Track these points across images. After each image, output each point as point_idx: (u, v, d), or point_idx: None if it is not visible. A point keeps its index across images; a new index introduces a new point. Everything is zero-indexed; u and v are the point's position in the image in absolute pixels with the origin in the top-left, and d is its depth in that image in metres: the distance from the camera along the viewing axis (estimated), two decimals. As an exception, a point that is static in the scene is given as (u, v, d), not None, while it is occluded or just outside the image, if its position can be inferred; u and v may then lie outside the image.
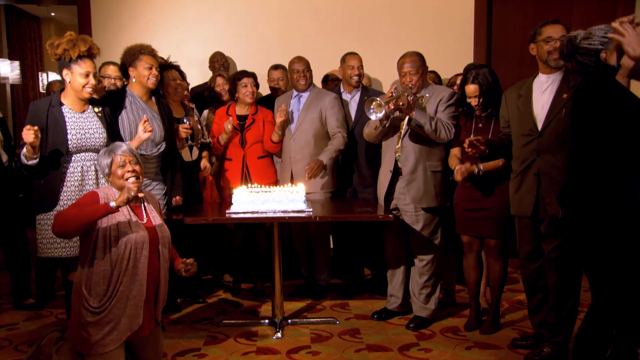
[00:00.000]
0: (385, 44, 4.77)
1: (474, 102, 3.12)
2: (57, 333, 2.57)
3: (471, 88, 3.10)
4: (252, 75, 3.86)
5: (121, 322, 2.37)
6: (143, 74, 3.20)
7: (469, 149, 2.93)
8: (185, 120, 3.49)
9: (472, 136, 3.13)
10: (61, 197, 2.84)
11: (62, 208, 2.82)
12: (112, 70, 3.79)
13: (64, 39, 2.85)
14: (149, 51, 3.24)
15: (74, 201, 2.82)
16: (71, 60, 2.84)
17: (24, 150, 2.73)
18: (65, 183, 2.85)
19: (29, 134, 2.65)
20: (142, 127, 3.03)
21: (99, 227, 2.38)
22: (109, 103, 3.10)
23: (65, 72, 2.87)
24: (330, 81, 4.43)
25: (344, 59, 3.96)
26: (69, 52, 2.82)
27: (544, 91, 2.80)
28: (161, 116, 3.29)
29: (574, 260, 2.75)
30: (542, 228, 2.80)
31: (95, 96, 3.11)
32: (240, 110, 3.91)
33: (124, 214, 2.44)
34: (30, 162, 2.76)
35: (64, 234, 2.38)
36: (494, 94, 3.09)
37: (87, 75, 2.85)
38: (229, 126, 3.73)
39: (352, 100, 3.94)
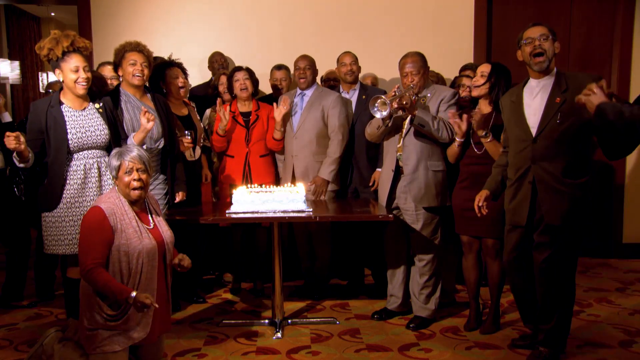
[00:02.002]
0: (386, 44, 4.78)
1: (479, 81, 3.09)
2: (59, 333, 2.57)
3: (483, 66, 3.11)
4: (246, 70, 3.85)
5: (132, 329, 2.38)
6: (127, 71, 3.16)
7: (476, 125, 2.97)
8: (187, 134, 3.47)
9: (470, 134, 3.14)
10: (64, 196, 2.84)
11: (65, 207, 2.83)
12: (109, 71, 3.77)
13: (47, 38, 2.83)
14: (132, 47, 3.18)
15: (76, 199, 2.83)
16: (58, 59, 2.81)
17: (14, 155, 2.72)
18: (67, 182, 2.84)
19: (8, 140, 2.61)
20: (144, 118, 3.00)
21: (111, 249, 2.38)
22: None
23: (57, 71, 2.85)
24: (324, 81, 4.43)
25: (338, 59, 4.00)
26: (53, 51, 2.80)
27: (535, 96, 2.74)
28: (158, 112, 3.24)
29: (566, 268, 2.73)
30: (535, 236, 2.75)
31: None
32: (242, 107, 3.90)
33: (134, 229, 2.43)
34: (21, 165, 2.75)
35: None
36: (502, 84, 3.08)
37: (76, 71, 2.81)
38: (226, 114, 3.71)
39: (351, 99, 3.95)
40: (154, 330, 2.45)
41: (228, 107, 3.83)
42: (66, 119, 2.85)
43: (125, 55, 3.16)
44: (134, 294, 2.27)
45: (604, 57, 4.79)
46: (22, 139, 2.63)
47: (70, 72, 2.81)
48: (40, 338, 2.52)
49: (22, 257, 3.79)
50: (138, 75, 3.17)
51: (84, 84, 2.84)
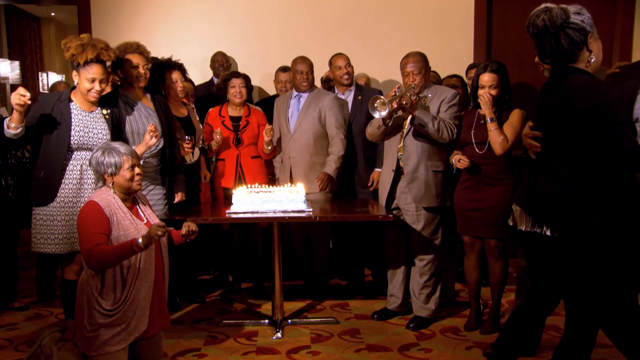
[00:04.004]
0: (386, 44, 4.78)
1: (493, 92, 3.05)
2: (58, 333, 2.56)
3: (486, 77, 3.07)
4: (243, 76, 3.87)
5: (130, 324, 2.38)
6: (131, 74, 3.18)
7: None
8: (187, 138, 3.48)
9: (472, 133, 3.14)
10: (59, 194, 2.85)
11: (58, 205, 2.84)
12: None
13: (75, 42, 2.85)
14: (134, 49, 3.19)
15: (70, 199, 2.84)
16: (79, 64, 2.86)
17: (7, 119, 2.70)
18: (64, 179, 2.86)
19: (16, 94, 2.59)
20: (148, 135, 3.04)
21: (111, 240, 2.38)
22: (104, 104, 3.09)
23: (74, 73, 2.90)
24: (324, 82, 4.43)
25: (330, 62, 4.00)
26: (76, 57, 2.83)
27: None
28: (157, 113, 3.25)
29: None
30: None
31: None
32: (233, 111, 3.91)
33: (130, 221, 2.43)
34: (11, 132, 2.70)
35: (102, 270, 2.38)
36: (507, 91, 3.08)
37: (92, 81, 2.86)
38: (218, 137, 3.73)
39: (347, 100, 3.95)
40: (152, 324, 2.45)
41: (219, 129, 3.79)
42: (72, 116, 2.88)
43: (127, 57, 3.18)
44: (140, 239, 2.25)
45: (604, 57, 4.76)
46: (28, 95, 2.62)
47: (86, 81, 2.86)
48: (39, 339, 2.52)
49: (11, 258, 3.74)
50: (141, 79, 3.20)
51: (95, 95, 2.90)
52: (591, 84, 2.09)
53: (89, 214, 2.39)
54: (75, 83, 2.91)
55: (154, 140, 3.04)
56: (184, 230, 2.55)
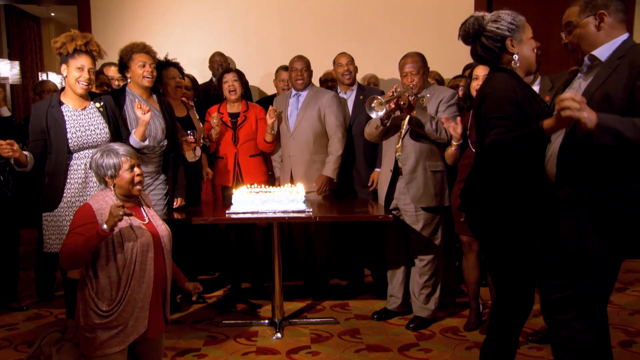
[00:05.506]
0: (385, 44, 4.78)
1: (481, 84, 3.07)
2: (57, 334, 2.56)
3: (480, 68, 3.06)
4: (235, 72, 3.88)
5: (128, 325, 2.37)
6: (137, 73, 3.20)
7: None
8: (190, 133, 3.48)
9: (467, 134, 3.14)
10: (65, 195, 2.86)
11: (65, 206, 2.84)
12: (114, 72, 3.78)
13: (64, 34, 2.89)
14: (141, 49, 3.22)
15: (77, 198, 2.84)
16: (68, 55, 2.85)
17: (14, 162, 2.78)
18: (68, 182, 2.86)
19: (1, 149, 2.65)
20: (139, 111, 3.02)
21: (104, 242, 2.36)
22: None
23: (63, 67, 2.89)
24: (322, 82, 4.43)
25: (334, 61, 4.00)
26: (66, 46, 2.84)
27: None
28: (162, 113, 3.29)
29: None
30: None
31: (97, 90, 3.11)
32: (231, 107, 3.91)
33: (124, 219, 2.42)
34: (20, 170, 2.81)
35: (75, 267, 2.39)
36: None
37: (81, 69, 2.85)
38: (215, 120, 3.72)
39: (349, 99, 3.96)
40: (151, 326, 2.44)
41: (216, 113, 3.81)
42: (66, 118, 2.87)
43: (133, 57, 3.19)
44: (105, 226, 2.22)
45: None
46: (15, 146, 2.67)
47: (75, 70, 2.86)
48: (39, 339, 2.52)
49: (12, 258, 3.74)
50: (148, 77, 3.21)
51: (85, 84, 2.88)
52: (490, 80, 2.22)
53: (77, 216, 2.41)
54: (64, 76, 2.90)
55: (147, 115, 3.03)
56: (191, 287, 2.65)
